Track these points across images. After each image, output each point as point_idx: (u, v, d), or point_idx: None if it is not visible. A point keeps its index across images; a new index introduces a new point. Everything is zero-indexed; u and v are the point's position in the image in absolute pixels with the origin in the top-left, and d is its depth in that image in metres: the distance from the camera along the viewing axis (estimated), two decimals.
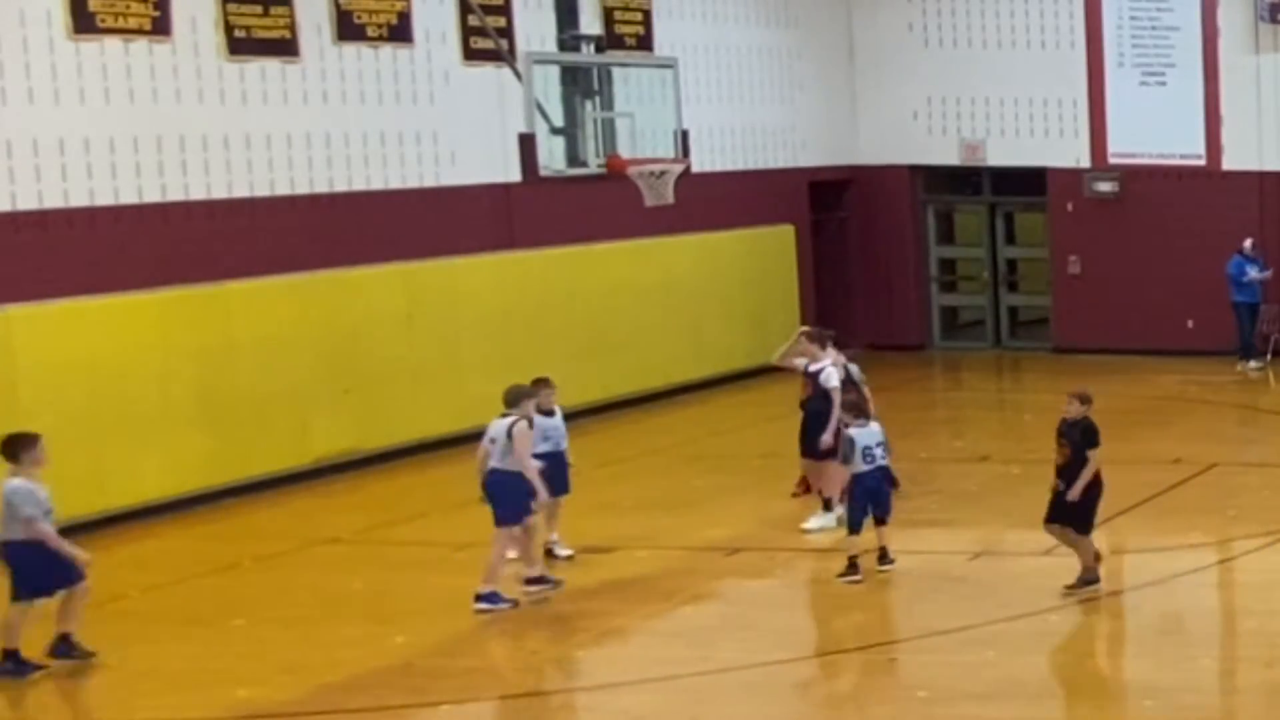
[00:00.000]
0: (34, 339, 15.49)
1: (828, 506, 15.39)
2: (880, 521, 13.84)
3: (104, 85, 16.59)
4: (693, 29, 23.54)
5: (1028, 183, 26.41)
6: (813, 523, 15.34)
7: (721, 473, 18.05)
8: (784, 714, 11.21)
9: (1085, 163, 25.79)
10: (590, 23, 20.98)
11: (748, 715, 11.16)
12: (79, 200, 16.40)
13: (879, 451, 13.78)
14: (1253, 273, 24.26)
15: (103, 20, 16.51)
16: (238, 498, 16.83)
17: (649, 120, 17.25)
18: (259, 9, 17.94)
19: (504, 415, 13.22)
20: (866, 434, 13.81)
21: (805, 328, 15.82)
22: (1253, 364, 24.25)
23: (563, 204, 20.78)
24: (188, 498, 16.52)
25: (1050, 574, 13.94)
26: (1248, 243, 24.38)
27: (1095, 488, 13.21)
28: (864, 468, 13.68)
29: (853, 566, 13.68)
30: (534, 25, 20.54)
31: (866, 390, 15.65)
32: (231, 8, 17.69)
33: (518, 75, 16.90)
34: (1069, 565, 13.86)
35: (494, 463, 13.16)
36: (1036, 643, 12.18)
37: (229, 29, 17.68)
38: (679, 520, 15.85)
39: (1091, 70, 25.54)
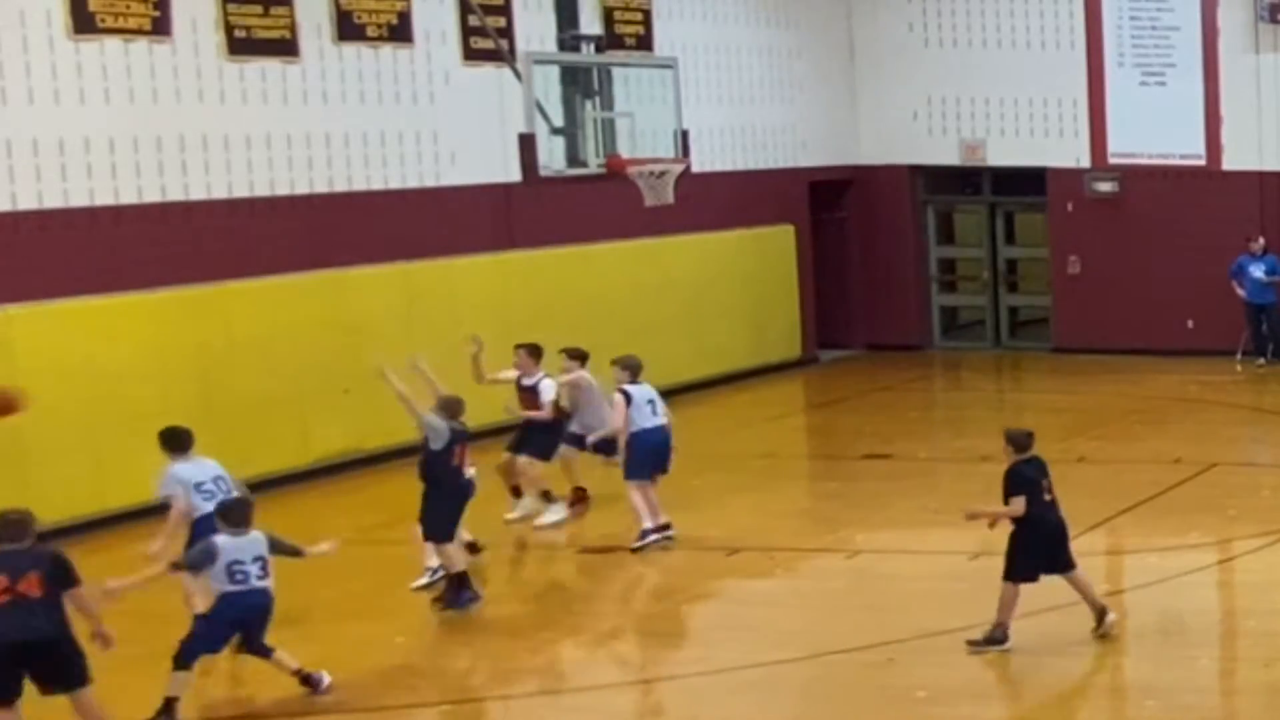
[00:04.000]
0: (34, 339, 15.50)
1: (549, 498, 15.88)
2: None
3: (104, 85, 16.59)
4: (693, 29, 23.54)
5: (1028, 183, 26.40)
6: (546, 518, 15.70)
7: (721, 473, 18.05)
8: (784, 714, 11.21)
9: (1085, 163, 25.79)
10: (590, 23, 20.99)
11: (748, 715, 11.16)
12: (79, 200, 16.40)
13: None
14: (1256, 272, 24.24)
15: (103, 20, 16.52)
16: None
17: (649, 120, 17.25)
18: (259, 9, 17.94)
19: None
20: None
21: (522, 343, 15.87)
22: (1260, 362, 24.26)
23: (563, 204, 20.78)
24: None
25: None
26: (1259, 242, 24.32)
27: (1024, 534, 12.08)
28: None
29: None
30: (534, 25, 20.54)
31: (606, 405, 15.41)
32: (231, 8, 17.69)
33: (518, 75, 16.90)
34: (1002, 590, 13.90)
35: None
36: (1037, 643, 12.17)
37: (229, 29, 17.68)
38: (679, 520, 15.84)
39: (1091, 70, 25.54)
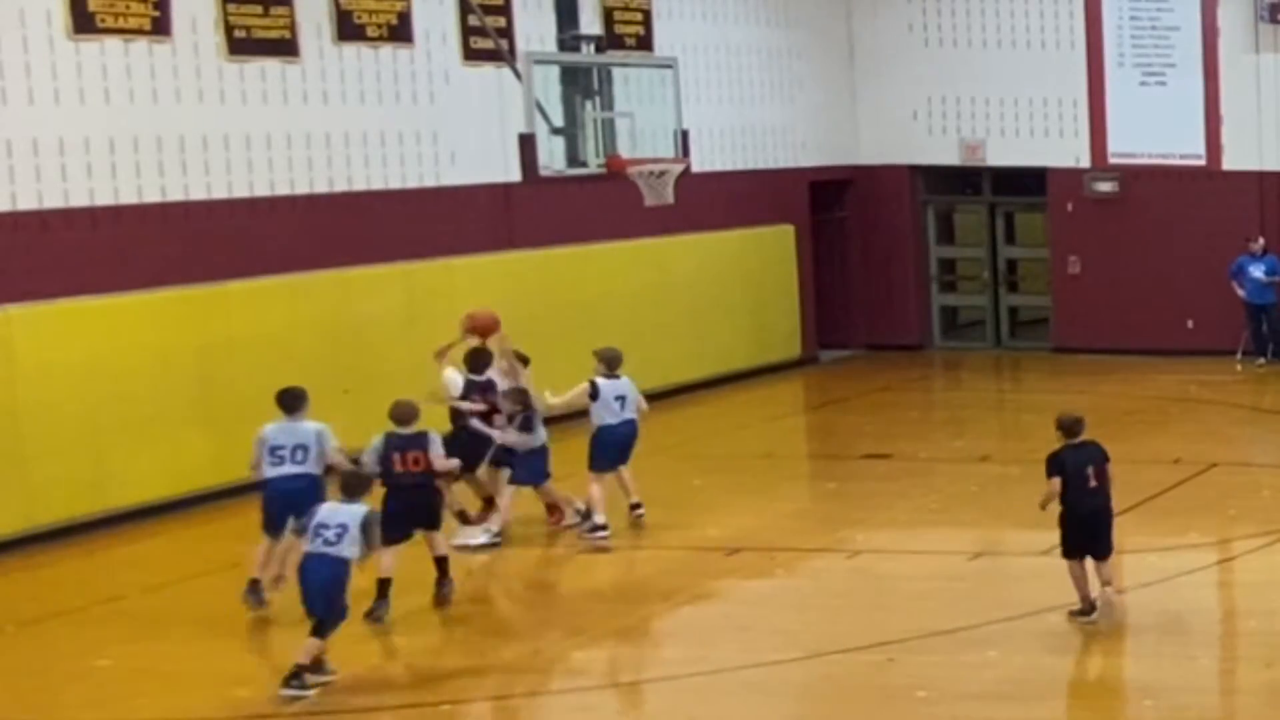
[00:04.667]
0: (34, 339, 15.49)
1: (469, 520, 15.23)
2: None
3: (104, 85, 16.58)
4: (693, 29, 23.54)
5: (1028, 183, 26.40)
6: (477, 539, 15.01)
7: (721, 473, 18.05)
8: (784, 714, 11.21)
9: (1085, 163, 25.79)
10: (590, 23, 20.98)
11: (748, 715, 11.16)
12: (79, 200, 16.40)
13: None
14: (1256, 272, 24.24)
15: (103, 20, 16.51)
16: (238, 498, 16.80)
17: (649, 120, 17.25)
18: (259, 9, 17.93)
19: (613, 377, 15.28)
20: None
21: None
22: (1260, 362, 24.27)
23: (563, 204, 20.78)
24: (188, 498, 16.52)
25: (1050, 574, 13.94)
26: (1259, 242, 24.33)
27: (1063, 516, 12.64)
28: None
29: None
30: (534, 25, 20.53)
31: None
32: (231, 8, 17.68)
33: (518, 75, 16.90)
34: (1066, 566, 13.90)
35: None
36: (1036, 643, 12.19)
37: (229, 29, 17.67)
38: (679, 520, 15.85)
39: (1091, 70, 25.54)
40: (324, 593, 11.33)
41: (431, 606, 13.28)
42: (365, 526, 11.38)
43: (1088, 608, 12.55)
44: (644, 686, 11.79)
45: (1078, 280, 26.07)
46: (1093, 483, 12.50)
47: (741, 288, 24.09)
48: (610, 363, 15.54)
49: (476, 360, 15.21)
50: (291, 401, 13.13)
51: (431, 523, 13.26)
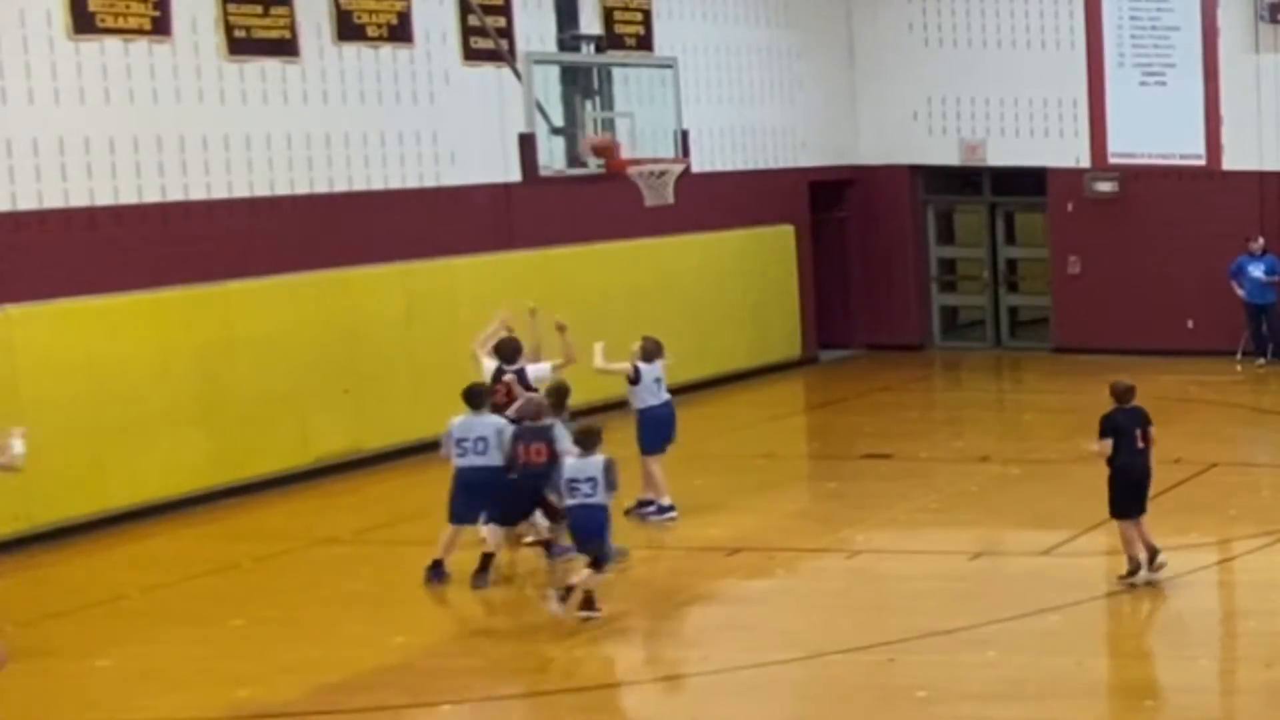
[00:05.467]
0: (34, 339, 15.49)
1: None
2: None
3: (104, 85, 16.58)
4: (693, 29, 23.54)
5: (1028, 183, 26.40)
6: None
7: (721, 473, 18.05)
8: (784, 714, 11.21)
9: (1085, 163, 25.79)
10: (590, 23, 20.97)
11: (748, 715, 11.16)
12: (79, 200, 16.40)
13: None
14: (1256, 272, 24.25)
15: (103, 20, 16.51)
16: (238, 498, 16.83)
17: (649, 120, 17.24)
18: (259, 9, 17.93)
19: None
20: None
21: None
22: (1260, 362, 24.28)
23: (563, 204, 20.78)
24: (188, 498, 16.52)
25: (1050, 574, 13.96)
26: (1259, 242, 24.33)
27: (1112, 476, 13.47)
28: None
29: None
30: (534, 25, 20.53)
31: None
32: (231, 8, 17.68)
33: (518, 75, 16.90)
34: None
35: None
36: (1036, 643, 12.19)
37: (229, 29, 17.68)
38: (679, 520, 15.85)
39: (1091, 70, 25.54)
40: (592, 537, 12.79)
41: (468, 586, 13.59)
42: (608, 473, 12.83)
43: (1135, 568, 13.41)
44: (644, 686, 11.79)
45: (1078, 280, 26.07)
46: (1140, 444, 13.36)
47: (741, 288, 24.09)
48: (649, 354, 16.07)
49: (506, 349, 15.23)
50: (475, 398, 13.92)
51: (531, 513, 14.06)
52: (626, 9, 22.44)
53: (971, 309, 27.97)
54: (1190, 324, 25.19)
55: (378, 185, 19.24)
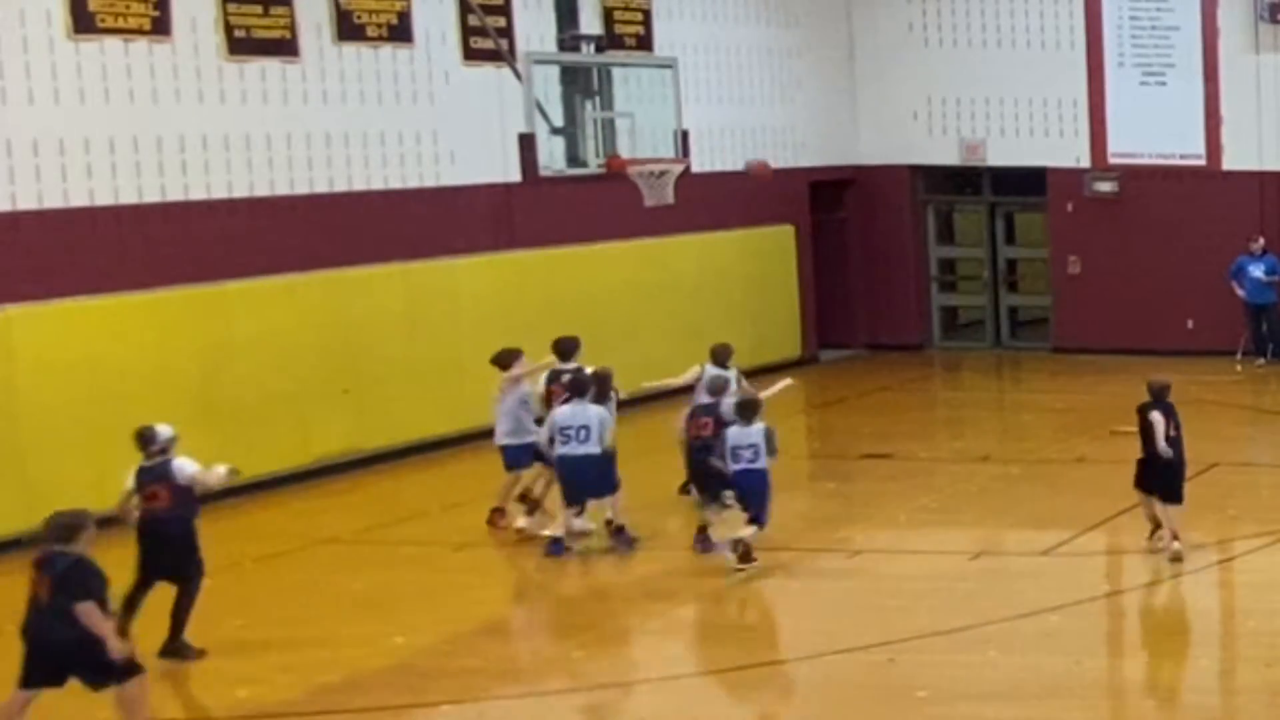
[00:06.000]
0: (34, 339, 15.49)
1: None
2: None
3: (104, 85, 16.58)
4: (693, 29, 23.54)
5: (1028, 183, 26.40)
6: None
7: None
8: (784, 714, 11.21)
9: (1085, 163, 25.79)
10: (590, 23, 20.99)
11: (748, 715, 11.16)
12: (79, 200, 16.39)
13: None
14: (1256, 272, 24.24)
15: (103, 20, 16.51)
16: (238, 497, 16.82)
17: (649, 120, 17.25)
18: (259, 9, 17.93)
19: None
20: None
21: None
22: (1260, 362, 24.28)
23: (563, 204, 20.78)
24: None
25: (1050, 574, 13.96)
26: (1259, 242, 24.33)
27: (1144, 458, 14.53)
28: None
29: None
30: (534, 25, 20.53)
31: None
32: (231, 8, 17.68)
33: (518, 75, 16.90)
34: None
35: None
36: (1036, 643, 12.18)
37: (229, 29, 17.67)
38: (679, 520, 15.85)
39: (1091, 70, 25.54)
40: (756, 497, 14.20)
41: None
42: (768, 440, 14.24)
43: (1154, 526, 14.45)
44: (644, 686, 11.79)
45: (1078, 280, 26.07)
46: (1172, 432, 14.39)
47: (741, 288, 24.09)
48: (719, 357, 16.70)
49: (565, 346, 15.72)
50: (580, 387, 14.72)
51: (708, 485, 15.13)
52: (626, 9, 22.44)
53: (971, 309, 27.97)
54: (1190, 324, 25.18)
55: (378, 185, 19.24)
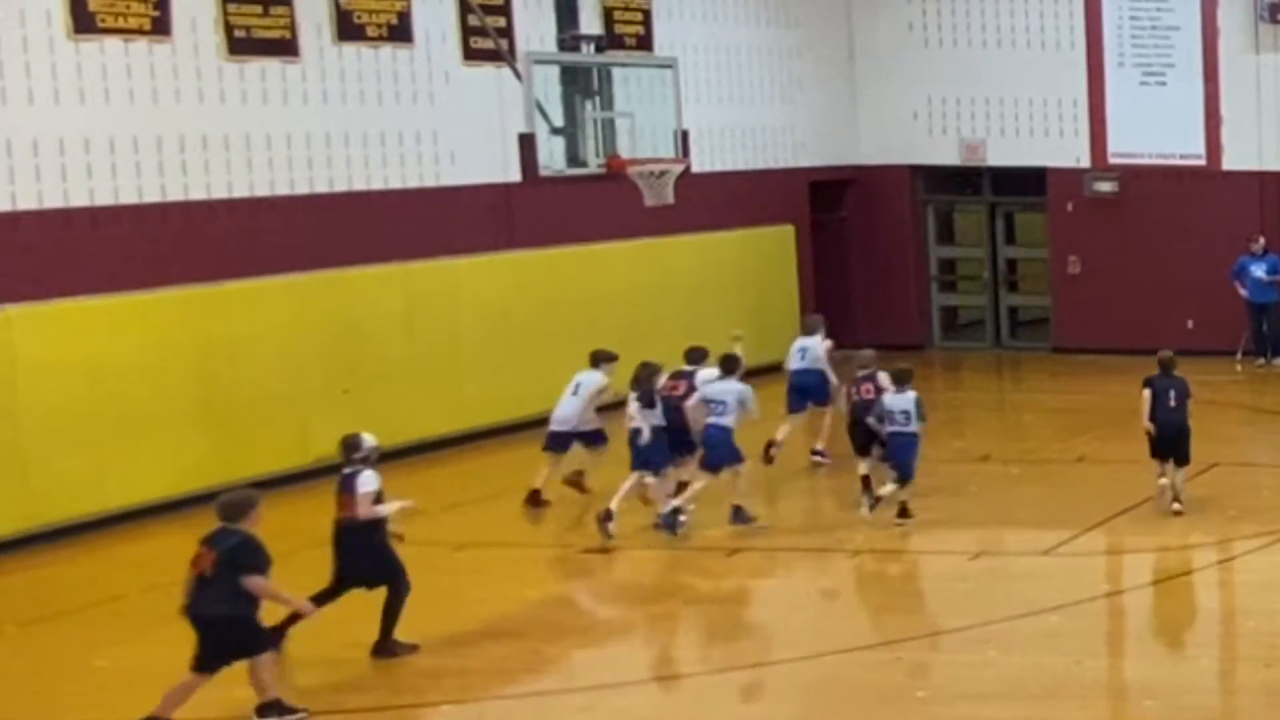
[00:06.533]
0: (34, 339, 15.49)
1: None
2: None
3: (104, 85, 16.59)
4: (693, 29, 23.54)
5: (1028, 183, 26.40)
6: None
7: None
8: (784, 714, 11.21)
9: (1085, 163, 25.79)
10: (590, 23, 20.99)
11: (748, 715, 11.16)
12: (79, 200, 16.40)
13: None
14: (1257, 272, 24.24)
15: (103, 20, 16.51)
16: None
17: (649, 120, 17.25)
18: (259, 9, 17.94)
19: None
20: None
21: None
22: (1260, 362, 24.29)
23: (563, 204, 20.78)
24: (188, 498, 16.48)
25: (1050, 574, 13.96)
26: (1259, 242, 24.33)
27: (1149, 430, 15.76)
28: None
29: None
30: (534, 25, 20.54)
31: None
32: (231, 8, 17.68)
33: (518, 75, 16.90)
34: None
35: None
36: (1036, 643, 12.18)
37: (229, 29, 17.68)
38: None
39: (1091, 70, 25.54)
40: (904, 455, 15.60)
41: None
42: (919, 406, 15.71)
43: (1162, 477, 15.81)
44: (644, 686, 11.79)
45: (1078, 280, 26.07)
46: (1172, 404, 15.63)
47: (741, 288, 24.08)
48: (808, 328, 18.95)
49: (694, 354, 16.46)
50: (730, 364, 15.78)
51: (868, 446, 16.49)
52: (626, 9, 22.44)
53: (971, 309, 27.97)
54: (1190, 324, 25.16)
55: (378, 185, 19.25)
